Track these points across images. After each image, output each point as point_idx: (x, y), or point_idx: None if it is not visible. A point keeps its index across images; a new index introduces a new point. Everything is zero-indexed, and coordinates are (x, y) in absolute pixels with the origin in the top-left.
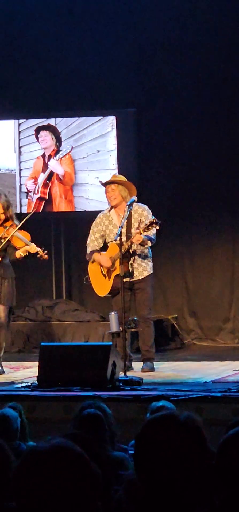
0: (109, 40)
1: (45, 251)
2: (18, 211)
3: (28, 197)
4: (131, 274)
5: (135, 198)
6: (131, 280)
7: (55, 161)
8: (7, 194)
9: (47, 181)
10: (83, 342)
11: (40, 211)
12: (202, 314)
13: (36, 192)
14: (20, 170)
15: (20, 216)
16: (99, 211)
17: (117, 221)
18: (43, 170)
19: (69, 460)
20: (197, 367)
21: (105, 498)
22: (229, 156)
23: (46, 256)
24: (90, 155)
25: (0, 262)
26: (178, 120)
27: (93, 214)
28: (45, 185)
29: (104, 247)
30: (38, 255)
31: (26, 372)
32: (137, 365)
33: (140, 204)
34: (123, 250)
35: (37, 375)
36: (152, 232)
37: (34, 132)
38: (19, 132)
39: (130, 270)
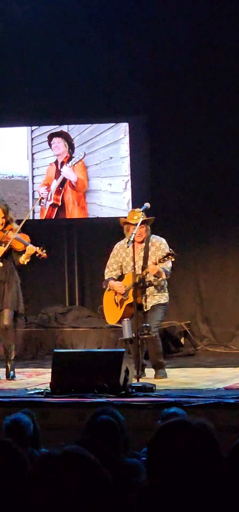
0: (123, 47)
1: (44, 250)
2: (31, 218)
3: (41, 204)
4: (142, 307)
5: (147, 204)
6: (143, 312)
7: (68, 167)
8: (20, 200)
9: (60, 188)
10: (96, 349)
11: (53, 217)
12: (214, 320)
13: (49, 199)
14: (33, 176)
15: (32, 223)
16: (112, 218)
17: (136, 255)
18: (56, 177)
19: (82, 466)
20: (209, 374)
21: (118, 505)
22: None
23: (44, 254)
24: (103, 162)
25: (3, 267)
26: (190, 126)
27: (106, 221)
28: (58, 191)
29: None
30: (36, 255)
31: (39, 378)
32: (150, 372)
33: (158, 237)
34: (137, 279)
35: (50, 381)
36: (168, 265)
37: (47, 139)
38: (32, 139)
39: (143, 303)
